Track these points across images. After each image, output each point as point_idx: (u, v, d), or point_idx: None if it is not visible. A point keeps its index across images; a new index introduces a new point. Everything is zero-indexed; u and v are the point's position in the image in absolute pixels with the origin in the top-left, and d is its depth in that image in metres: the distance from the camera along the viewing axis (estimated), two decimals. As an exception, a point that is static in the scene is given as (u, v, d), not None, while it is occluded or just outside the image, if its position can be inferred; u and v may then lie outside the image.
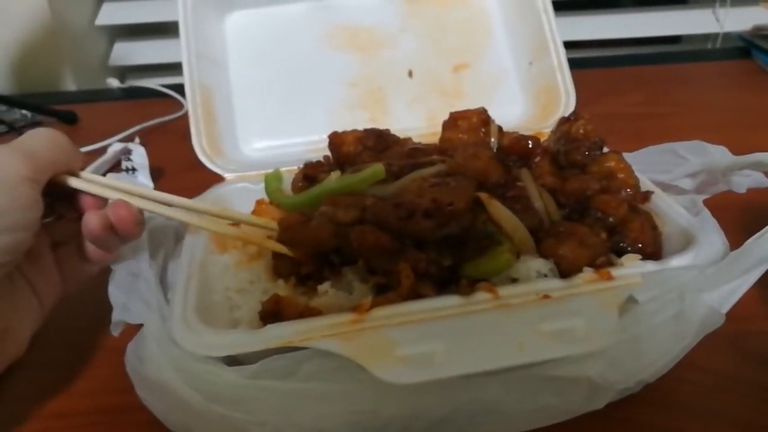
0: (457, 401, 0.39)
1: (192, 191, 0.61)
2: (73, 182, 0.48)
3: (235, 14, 0.76)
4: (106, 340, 0.47)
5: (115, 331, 0.47)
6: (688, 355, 0.42)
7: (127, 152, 0.84)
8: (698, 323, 0.40)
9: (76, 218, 0.49)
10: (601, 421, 0.41)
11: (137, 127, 0.96)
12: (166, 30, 1.23)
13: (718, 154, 0.55)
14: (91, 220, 0.47)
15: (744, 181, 0.53)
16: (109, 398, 0.50)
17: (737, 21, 1.18)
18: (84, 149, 0.91)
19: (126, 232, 0.48)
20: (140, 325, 0.45)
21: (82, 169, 0.49)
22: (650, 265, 0.45)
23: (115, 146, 0.88)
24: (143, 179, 0.81)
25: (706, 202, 0.52)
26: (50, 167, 0.45)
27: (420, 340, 0.39)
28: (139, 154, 0.84)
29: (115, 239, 0.49)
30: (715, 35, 1.23)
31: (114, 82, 1.22)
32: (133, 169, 0.81)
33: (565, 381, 0.39)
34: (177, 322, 0.43)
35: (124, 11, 1.24)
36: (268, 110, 0.74)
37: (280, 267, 0.50)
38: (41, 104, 1.06)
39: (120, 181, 0.50)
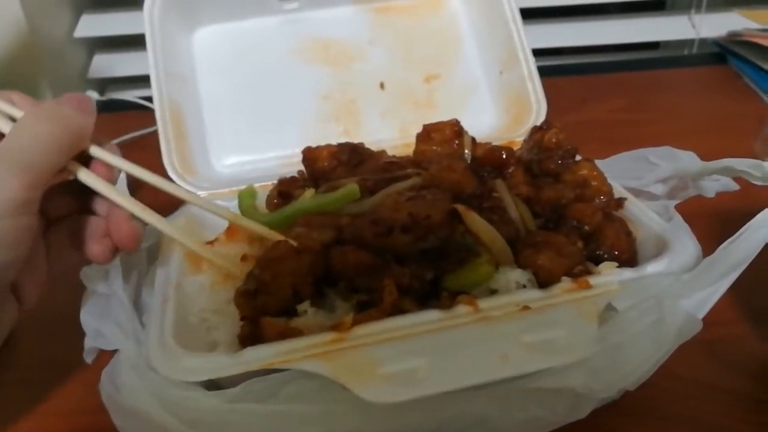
0: (442, 417, 0.38)
1: (170, 205, 0.60)
2: (82, 176, 0.45)
3: (203, 30, 0.75)
4: (79, 358, 0.46)
5: (89, 358, 0.46)
6: (663, 362, 0.42)
7: (105, 166, 0.82)
8: (677, 330, 0.41)
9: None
10: (579, 430, 0.41)
11: (116, 141, 0.94)
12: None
13: (688, 160, 0.56)
14: (95, 253, 0.46)
15: (713, 185, 0.54)
16: (84, 418, 0.49)
17: (713, 27, 1.20)
18: None
19: (126, 248, 0.47)
20: (114, 350, 0.45)
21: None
22: (627, 273, 0.45)
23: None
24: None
25: (677, 208, 0.53)
26: (50, 174, 0.39)
27: (403, 357, 0.39)
28: None
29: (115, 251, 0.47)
30: (691, 41, 1.25)
31: (93, 95, 1.20)
32: (112, 183, 0.79)
33: (549, 392, 0.39)
34: (153, 346, 0.42)
35: (104, 23, 1.22)
36: (240, 126, 0.73)
37: (251, 307, 0.45)
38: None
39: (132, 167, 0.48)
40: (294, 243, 0.47)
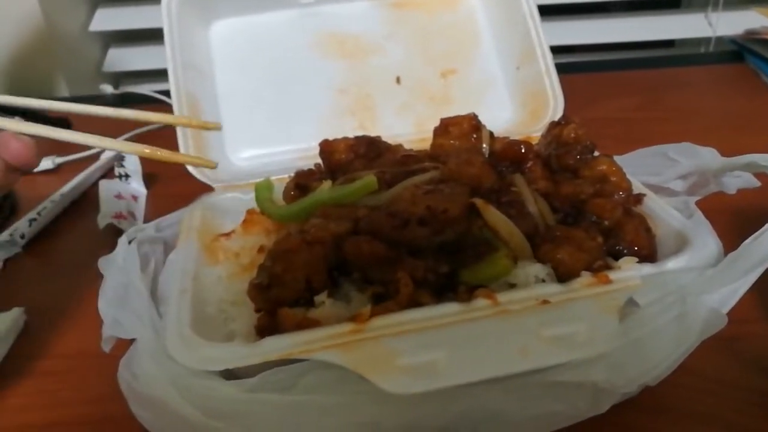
0: (460, 409, 0.38)
1: (185, 198, 0.61)
2: None
3: (220, 23, 0.75)
4: (90, 348, 0.46)
5: (107, 347, 0.46)
6: (684, 359, 0.42)
7: (120, 159, 0.83)
8: (700, 325, 0.40)
9: None
10: (598, 426, 0.41)
11: (130, 134, 0.95)
12: (161, 36, 1.23)
13: (708, 156, 0.56)
14: None
15: (734, 182, 0.53)
16: (94, 408, 0.50)
17: (730, 25, 1.19)
18: (77, 156, 0.90)
19: (25, 165, 0.45)
20: (132, 340, 0.45)
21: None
22: (648, 268, 0.45)
23: (108, 152, 0.87)
24: (136, 185, 0.80)
25: (697, 204, 0.52)
26: None
27: (421, 349, 0.39)
28: (132, 161, 0.83)
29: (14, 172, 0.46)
30: (708, 39, 1.25)
31: (108, 88, 1.21)
32: (126, 176, 0.80)
33: (568, 386, 0.38)
34: (172, 336, 0.42)
35: (119, 17, 1.23)
36: (256, 119, 0.73)
37: (264, 299, 0.45)
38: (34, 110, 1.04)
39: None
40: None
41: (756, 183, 0.53)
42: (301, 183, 0.57)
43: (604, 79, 1.10)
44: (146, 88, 1.14)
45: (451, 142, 0.59)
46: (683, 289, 0.42)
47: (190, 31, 0.72)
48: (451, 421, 0.38)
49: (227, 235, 0.56)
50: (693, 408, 0.46)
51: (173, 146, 0.66)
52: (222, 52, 0.75)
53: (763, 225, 0.43)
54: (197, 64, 0.72)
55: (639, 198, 0.53)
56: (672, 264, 0.45)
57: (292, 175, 0.60)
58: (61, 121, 1.04)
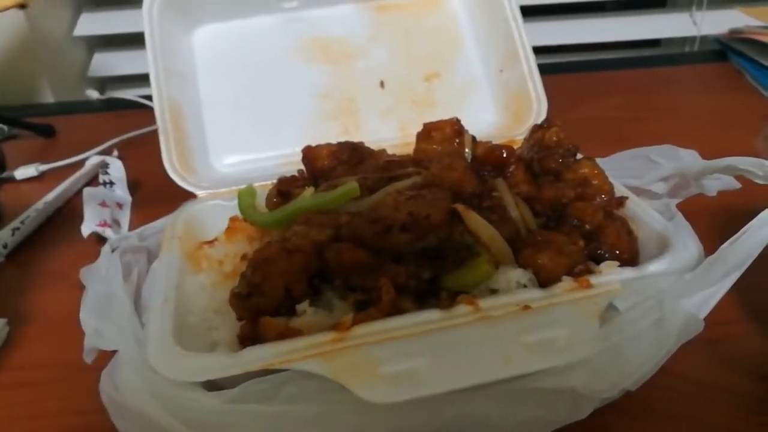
0: (443, 418, 0.38)
1: (170, 204, 0.60)
2: None
3: (202, 28, 0.75)
4: (74, 359, 0.45)
5: (88, 358, 0.46)
6: (664, 362, 0.42)
7: (105, 165, 0.83)
8: (678, 330, 0.40)
9: None
10: (580, 430, 0.40)
11: (115, 140, 0.94)
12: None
13: (689, 158, 0.56)
14: None
15: (715, 184, 0.54)
16: (77, 419, 0.49)
17: (714, 24, 1.20)
18: (62, 163, 0.90)
19: None
20: (114, 350, 0.44)
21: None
22: (628, 272, 0.45)
23: (92, 159, 0.87)
24: (121, 193, 0.79)
25: (678, 207, 0.53)
26: None
27: (403, 357, 0.39)
28: (117, 168, 0.83)
29: None
30: (693, 39, 1.25)
31: (93, 94, 1.20)
32: (111, 183, 0.79)
33: (549, 392, 0.39)
34: (153, 346, 0.42)
35: (103, 21, 1.22)
36: (240, 125, 0.73)
37: (244, 308, 0.45)
38: (18, 117, 1.03)
39: None
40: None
41: (736, 185, 0.53)
42: (284, 190, 0.57)
43: (589, 80, 1.10)
44: (132, 93, 1.13)
45: (434, 146, 0.59)
46: (662, 293, 0.42)
47: (172, 37, 0.71)
48: (434, 430, 0.38)
49: (210, 242, 0.56)
50: (674, 410, 0.47)
51: (156, 153, 0.66)
52: (205, 58, 0.74)
53: (743, 227, 0.44)
54: (180, 69, 0.72)
55: (621, 201, 0.54)
56: (653, 268, 0.45)
57: (275, 181, 0.60)
58: (46, 127, 1.04)
